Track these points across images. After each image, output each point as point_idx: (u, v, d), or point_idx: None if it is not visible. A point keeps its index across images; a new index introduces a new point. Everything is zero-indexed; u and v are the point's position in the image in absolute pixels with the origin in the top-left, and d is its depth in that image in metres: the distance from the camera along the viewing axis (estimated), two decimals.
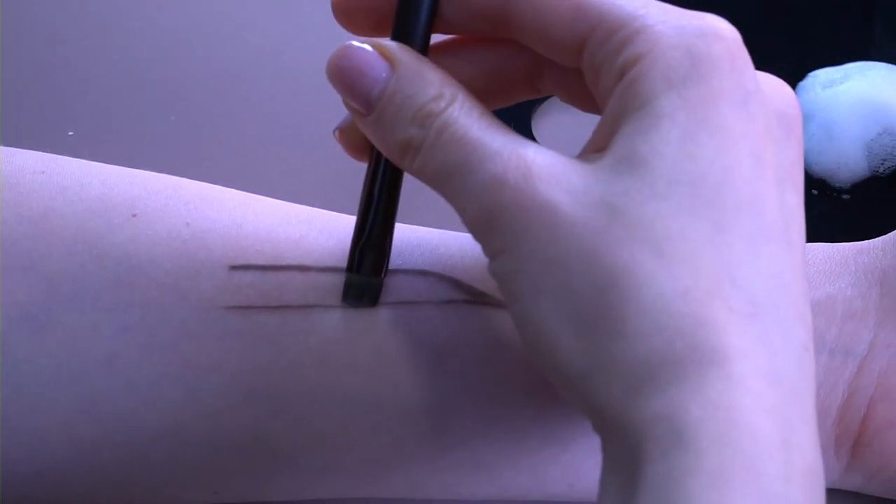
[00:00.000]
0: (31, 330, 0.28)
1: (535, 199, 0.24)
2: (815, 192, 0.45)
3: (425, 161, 0.26)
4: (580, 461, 0.31)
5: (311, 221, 0.31)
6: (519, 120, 0.47)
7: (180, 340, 0.29)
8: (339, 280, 0.30)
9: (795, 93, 0.31)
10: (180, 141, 0.45)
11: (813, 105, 0.47)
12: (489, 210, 0.25)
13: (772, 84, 0.26)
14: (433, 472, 0.31)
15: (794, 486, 0.22)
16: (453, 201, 0.26)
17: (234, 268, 0.29)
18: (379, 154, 0.28)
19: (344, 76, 0.26)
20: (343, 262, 0.30)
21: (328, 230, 0.31)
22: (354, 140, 0.28)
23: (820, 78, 0.48)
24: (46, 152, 0.32)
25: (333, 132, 0.29)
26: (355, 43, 0.26)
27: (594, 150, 0.25)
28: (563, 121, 0.47)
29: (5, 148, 0.31)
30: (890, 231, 0.34)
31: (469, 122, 0.25)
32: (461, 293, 0.30)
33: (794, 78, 0.48)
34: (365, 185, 0.29)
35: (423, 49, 0.27)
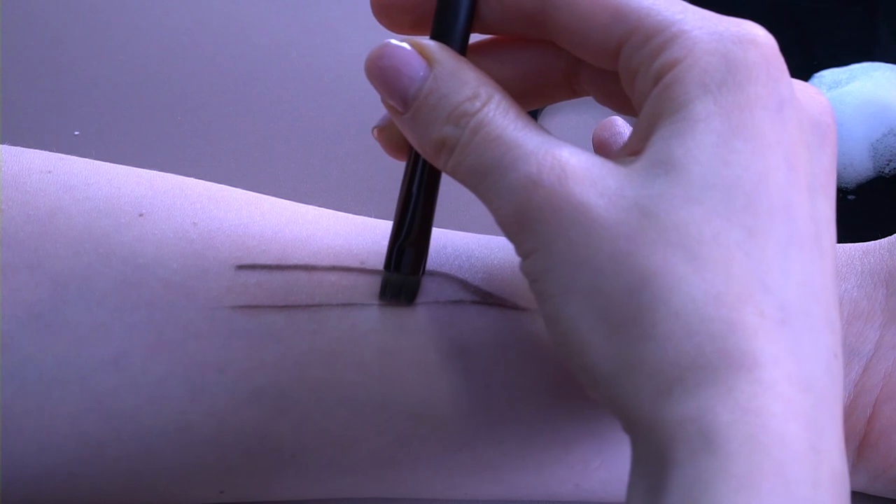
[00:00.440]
0: (37, 329, 0.28)
1: (568, 200, 0.24)
2: None
3: (460, 160, 0.26)
4: (587, 462, 0.31)
5: (317, 221, 0.31)
6: None
7: (187, 340, 0.29)
8: (345, 279, 0.30)
9: None
10: (187, 140, 0.45)
11: None
12: (522, 210, 0.25)
13: (807, 92, 0.26)
14: (439, 471, 0.31)
15: (822, 492, 0.22)
16: (487, 201, 0.26)
17: (241, 267, 0.30)
18: (418, 153, 0.28)
19: (382, 74, 0.26)
20: (348, 261, 0.30)
21: (335, 230, 0.31)
22: (393, 138, 0.29)
23: (825, 79, 0.48)
24: (53, 152, 0.32)
25: (372, 130, 0.29)
26: (394, 42, 0.27)
27: (629, 153, 0.25)
28: (570, 121, 0.47)
29: (12, 147, 0.31)
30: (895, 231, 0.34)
31: (504, 122, 0.26)
32: (468, 294, 0.30)
33: (799, 79, 0.47)
34: (403, 183, 0.29)
35: (462, 49, 0.27)
